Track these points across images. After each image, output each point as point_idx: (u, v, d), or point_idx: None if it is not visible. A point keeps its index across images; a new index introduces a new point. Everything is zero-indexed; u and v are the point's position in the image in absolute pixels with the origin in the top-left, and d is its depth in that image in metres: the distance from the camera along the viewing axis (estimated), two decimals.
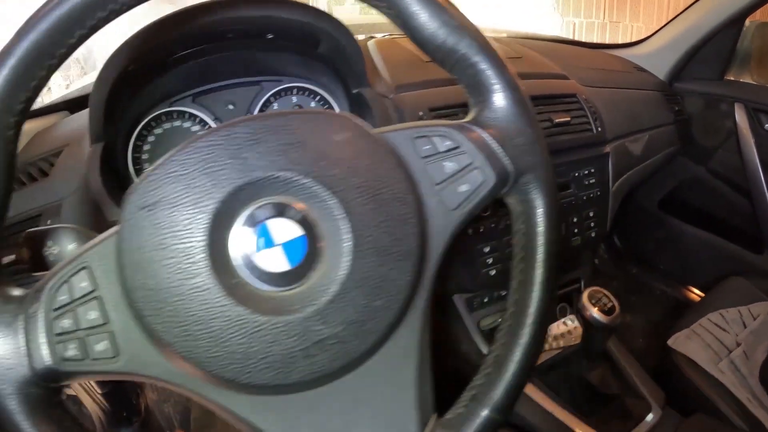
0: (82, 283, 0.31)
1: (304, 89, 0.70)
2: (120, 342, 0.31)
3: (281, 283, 0.30)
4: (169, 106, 0.66)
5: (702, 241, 1.28)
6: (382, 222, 0.32)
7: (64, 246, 0.43)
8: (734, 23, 1.10)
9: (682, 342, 0.90)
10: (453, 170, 0.36)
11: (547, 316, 0.40)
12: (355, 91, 0.68)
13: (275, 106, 0.70)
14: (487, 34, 0.39)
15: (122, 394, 1.16)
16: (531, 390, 0.80)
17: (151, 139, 0.66)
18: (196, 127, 0.67)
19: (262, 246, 0.30)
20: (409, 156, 0.35)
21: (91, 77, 1.13)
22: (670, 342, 0.89)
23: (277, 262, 0.30)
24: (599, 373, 0.82)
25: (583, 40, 2.31)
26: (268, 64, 0.68)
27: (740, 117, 1.14)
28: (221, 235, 0.30)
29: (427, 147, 0.35)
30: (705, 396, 0.80)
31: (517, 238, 0.40)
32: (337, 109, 0.70)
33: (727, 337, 0.91)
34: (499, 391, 0.38)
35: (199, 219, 0.29)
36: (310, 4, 0.66)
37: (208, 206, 0.29)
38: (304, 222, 0.30)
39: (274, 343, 0.30)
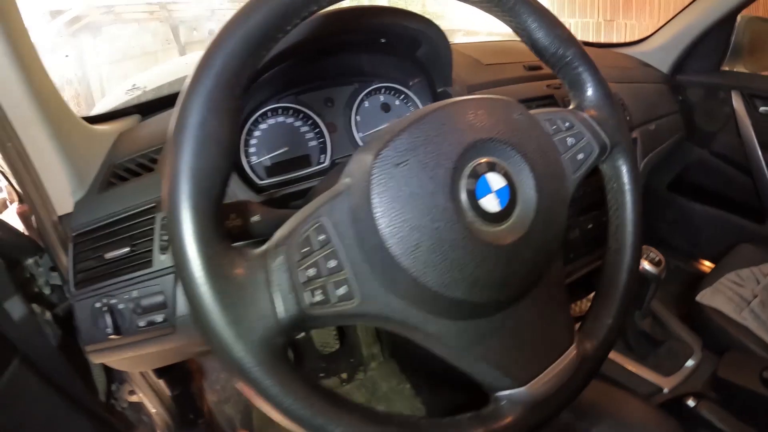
0: (320, 237, 0.36)
1: (391, 88, 0.82)
2: (354, 285, 0.36)
3: (495, 221, 0.40)
4: (276, 103, 0.77)
5: (709, 217, 1.41)
6: (549, 176, 0.43)
7: (247, 217, 0.53)
8: (728, 19, 1.25)
9: (708, 297, 1.03)
10: (572, 143, 0.49)
11: (640, 245, 0.54)
12: (440, 90, 0.79)
13: (366, 104, 0.81)
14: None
15: (188, 396, 1.22)
16: None
17: (257, 133, 0.76)
18: (298, 123, 0.77)
19: (482, 193, 0.39)
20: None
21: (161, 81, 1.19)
22: (698, 298, 1.02)
23: (492, 204, 0.39)
24: (647, 322, 0.94)
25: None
26: (363, 65, 0.79)
27: (737, 103, 1.29)
28: (456, 185, 0.38)
29: (554, 126, 0.48)
30: (734, 338, 0.93)
31: (610, 195, 0.55)
32: (420, 106, 0.82)
33: (745, 291, 1.04)
34: (615, 304, 0.51)
35: (440, 172, 0.37)
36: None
37: (447, 161, 0.38)
38: (506, 175, 0.41)
39: (496, 265, 0.39)
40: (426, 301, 0.38)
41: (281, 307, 0.35)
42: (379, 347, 1.42)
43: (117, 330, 0.69)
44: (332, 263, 0.36)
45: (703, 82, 1.35)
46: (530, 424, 0.45)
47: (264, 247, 0.36)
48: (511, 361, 0.44)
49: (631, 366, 0.93)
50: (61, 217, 0.73)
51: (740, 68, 1.35)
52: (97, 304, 0.69)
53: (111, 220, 0.69)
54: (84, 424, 0.90)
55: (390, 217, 0.36)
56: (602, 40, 2.84)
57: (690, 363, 0.91)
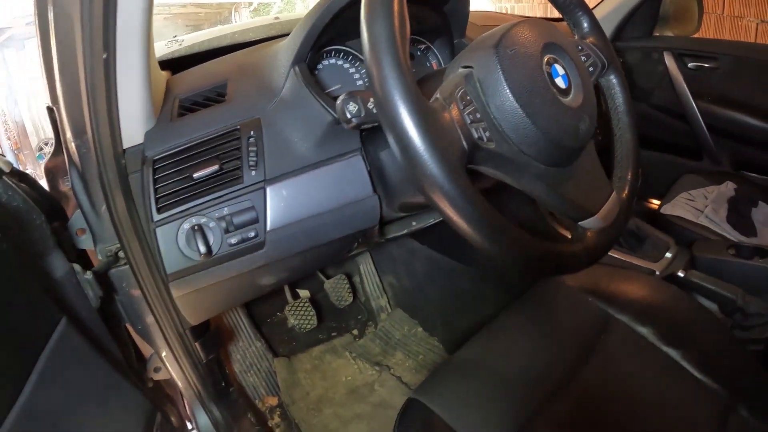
0: (472, 93, 0.55)
1: (414, 40, 0.95)
2: (494, 133, 0.55)
3: (564, 94, 0.58)
4: (337, 44, 0.88)
5: (654, 160, 1.66)
6: (583, 69, 0.61)
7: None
8: None
9: (670, 209, 1.24)
10: (584, 59, 0.67)
11: (637, 125, 0.74)
12: (456, 41, 0.94)
13: None
14: None
15: (219, 364, 1.24)
16: None
17: (320, 67, 0.87)
18: (347, 65, 0.89)
19: (554, 75, 0.58)
20: None
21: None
22: (662, 210, 1.23)
23: (561, 82, 0.58)
24: (633, 222, 1.15)
25: None
26: None
27: (669, 62, 1.53)
28: (542, 68, 0.56)
29: None
30: (698, 234, 1.14)
31: (609, 99, 0.75)
32: (440, 56, 0.97)
33: (697, 204, 1.26)
34: (631, 165, 0.68)
35: (533, 60, 0.55)
36: None
37: (535, 53, 0.56)
38: (569, 65, 0.59)
39: (573, 119, 0.57)
40: (535, 144, 0.55)
41: (462, 139, 0.51)
42: (386, 299, 1.53)
43: (209, 249, 0.74)
44: (478, 114, 0.54)
45: (639, 46, 1.60)
46: (603, 243, 0.62)
47: (439, 96, 0.54)
48: (584, 198, 0.60)
49: (626, 257, 1.12)
50: (125, 150, 0.76)
51: (668, 33, 1.61)
52: (186, 225, 0.74)
53: (194, 143, 0.75)
54: (130, 391, 0.92)
55: (512, 84, 0.53)
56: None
57: (669, 254, 1.10)
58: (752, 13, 2.17)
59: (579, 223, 0.62)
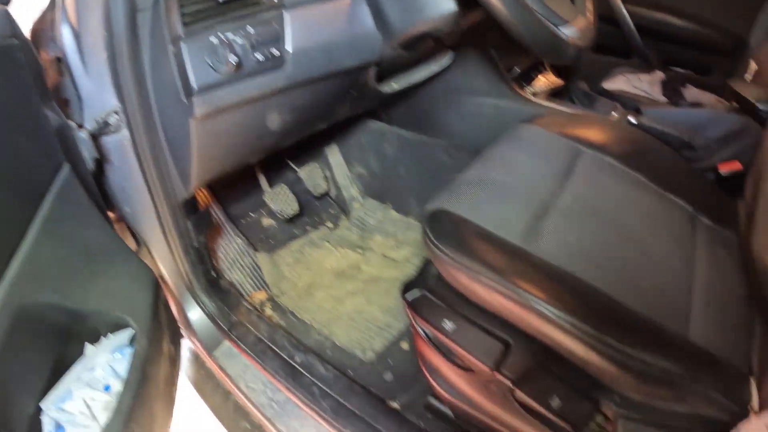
0: None
1: None
2: None
3: None
4: None
5: (587, 59, 1.80)
6: None
7: None
8: None
9: (610, 85, 1.42)
10: None
11: None
12: None
13: None
14: None
15: (208, 253, 1.24)
16: None
17: None
18: None
19: None
20: None
21: None
22: (603, 85, 1.40)
23: None
24: (584, 84, 1.33)
25: None
26: None
27: None
28: None
29: None
30: (642, 100, 1.33)
31: None
32: None
33: (633, 81, 1.45)
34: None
35: None
36: None
37: None
38: None
39: None
40: None
41: None
42: (357, 190, 1.59)
43: (239, 61, 0.78)
44: None
45: None
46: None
47: None
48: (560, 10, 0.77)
49: (582, 112, 1.28)
50: None
51: None
52: (214, 39, 0.77)
53: None
54: (134, 258, 0.93)
55: None
56: None
57: (615, 113, 1.27)
58: None
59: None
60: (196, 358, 1.37)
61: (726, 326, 0.78)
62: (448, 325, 0.82)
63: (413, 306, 0.87)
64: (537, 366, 0.78)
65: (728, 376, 0.71)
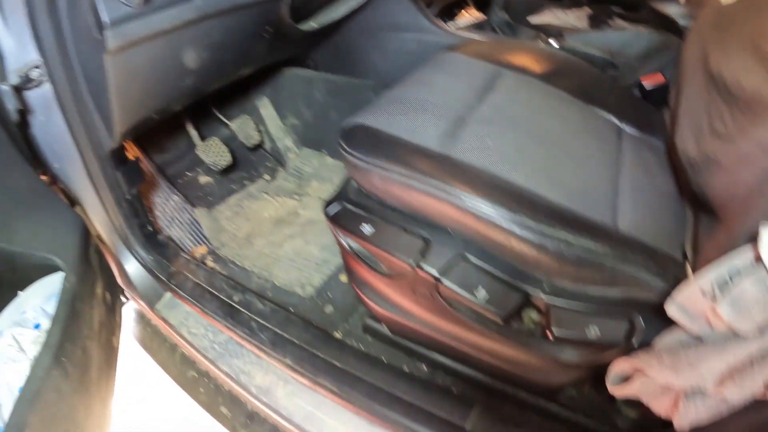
0: None
1: None
2: None
3: None
4: None
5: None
6: None
7: None
8: None
9: (537, 18, 1.44)
10: None
11: None
12: None
13: None
14: None
15: (143, 207, 1.23)
16: None
17: None
18: None
19: None
20: None
21: None
22: (530, 19, 1.43)
23: None
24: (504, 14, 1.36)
25: None
26: None
27: None
28: None
29: None
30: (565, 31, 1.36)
31: None
32: None
33: (561, 15, 1.48)
34: None
35: None
36: None
37: None
38: None
39: None
40: None
41: None
42: (291, 140, 1.59)
43: None
44: None
45: None
46: None
47: None
48: None
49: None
50: None
51: None
52: None
53: None
54: (63, 207, 0.92)
55: None
56: None
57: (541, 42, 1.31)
58: None
59: None
60: (141, 318, 1.37)
61: (655, 220, 0.79)
62: (367, 229, 0.83)
63: (334, 219, 0.88)
64: (459, 259, 0.79)
65: (661, 260, 0.71)
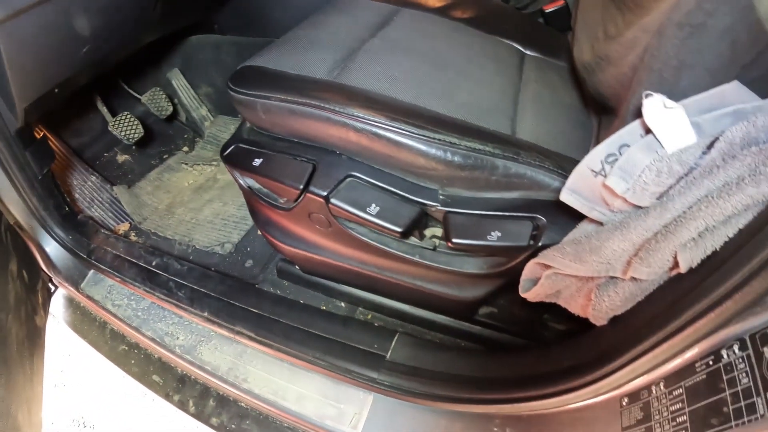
0: None
1: None
2: None
3: None
4: None
5: None
6: None
7: None
8: None
9: None
10: None
11: None
12: None
13: None
14: None
15: (57, 188, 1.20)
16: None
17: None
18: None
19: None
20: None
21: None
22: None
23: None
24: None
25: None
26: None
27: None
28: None
29: None
30: None
31: None
32: None
33: None
34: None
35: None
36: None
37: None
38: None
39: None
40: None
41: None
42: (206, 109, 1.58)
43: None
44: None
45: None
46: None
47: None
48: None
49: None
50: None
51: None
52: None
53: None
54: None
55: None
56: None
57: None
58: None
59: None
60: (70, 302, 1.35)
61: (557, 128, 0.79)
62: (257, 162, 0.83)
63: (228, 159, 0.88)
64: (348, 179, 0.78)
65: (558, 159, 0.71)
